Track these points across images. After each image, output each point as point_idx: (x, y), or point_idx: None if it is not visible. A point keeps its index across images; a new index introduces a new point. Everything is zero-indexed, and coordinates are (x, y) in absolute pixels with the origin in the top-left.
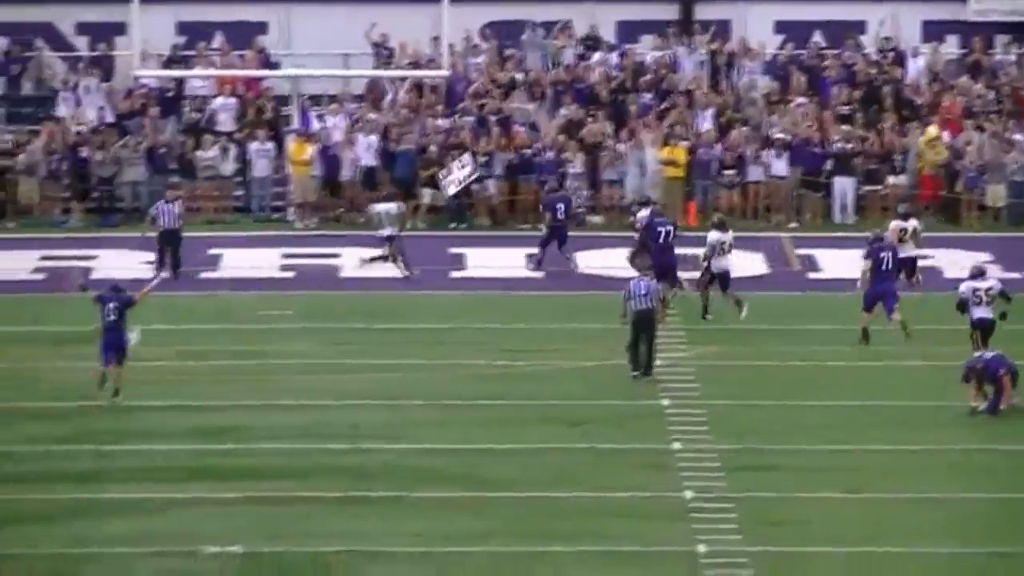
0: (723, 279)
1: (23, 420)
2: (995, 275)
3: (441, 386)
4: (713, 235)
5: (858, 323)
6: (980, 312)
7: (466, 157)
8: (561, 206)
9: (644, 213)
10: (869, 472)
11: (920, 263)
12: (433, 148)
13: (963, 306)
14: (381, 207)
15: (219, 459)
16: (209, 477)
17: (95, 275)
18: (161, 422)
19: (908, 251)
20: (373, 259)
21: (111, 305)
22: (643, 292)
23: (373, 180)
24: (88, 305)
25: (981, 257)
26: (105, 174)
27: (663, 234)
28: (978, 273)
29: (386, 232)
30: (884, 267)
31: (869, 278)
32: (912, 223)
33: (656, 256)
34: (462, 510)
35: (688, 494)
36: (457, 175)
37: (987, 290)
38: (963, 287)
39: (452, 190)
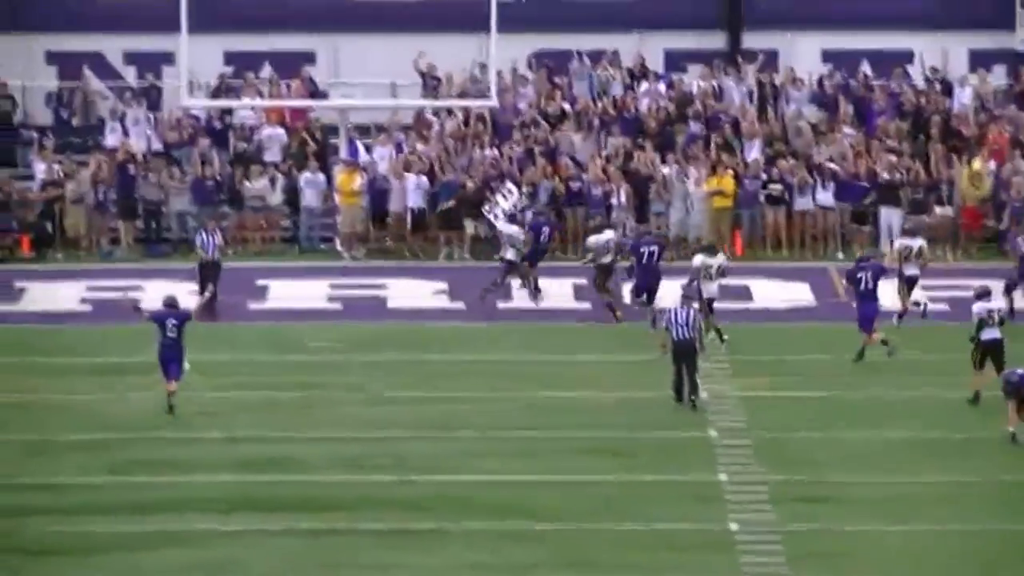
0: (708, 304)
1: (70, 451)
2: None
3: (488, 417)
4: (697, 259)
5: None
6: (991, 333)
7: (509, 186)
8: (546, 230)
9: (603, 238)
10: (916, 504)
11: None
12: (470, 184)
13: (981, 326)
14: (508, 229)
15: (266, 490)
16: (256, 509)
17: (142, 305)
18: (208, 453)
19: (912, 270)
20: (523, 285)
21: (170, 322)
22: (683, 322)
23: (423, 221)
24: (132, 336)
25: None
26: (152, 205)
27: (647, 255)
28: (984, 293)
29: (508, 255)
30: (864, 287)
31: (854, 300)
32: (918, 242)
33: (640, 276)
34: (509, 542)
35: (734, 526)
36: (504, 205)
37: (998, 311)
38: (977, 307)
39: (502, 222)
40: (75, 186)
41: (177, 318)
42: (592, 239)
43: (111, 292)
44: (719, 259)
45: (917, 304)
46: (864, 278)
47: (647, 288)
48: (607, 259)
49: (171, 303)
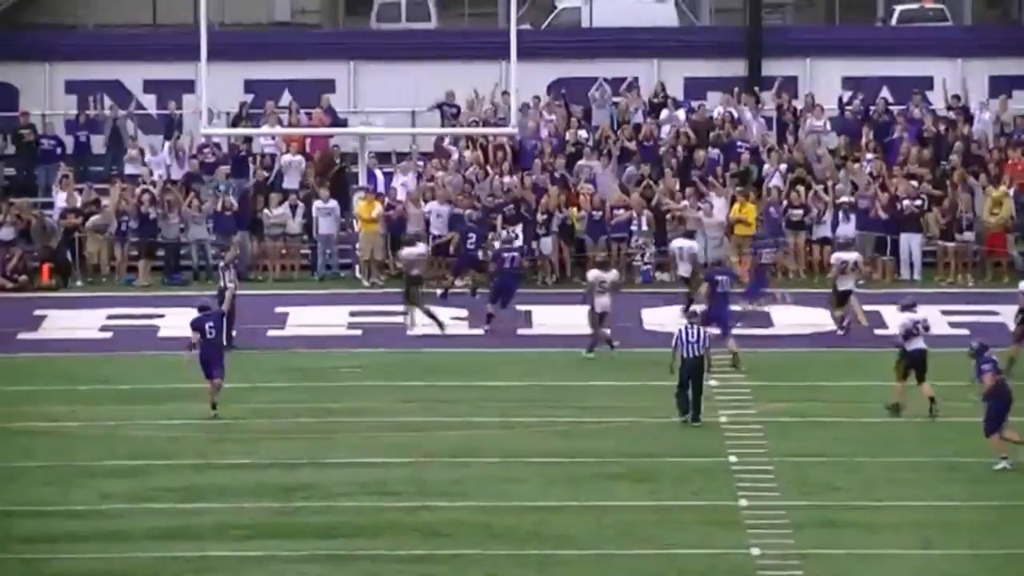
0: (601, 316)
1: (96, 478)
2: None
3: (508, 443)
4: (592, 273)
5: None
6: (916, 343)
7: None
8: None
9: (417, 250)
10: (937, 528)
11: (979, 320)
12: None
13: (908, 336)
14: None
15: (289, 517)
16: (277, 535)
17: (161, 333)
18: (231, 479)
19: (848, 284)
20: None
21: (208, 324)
22: (693, 340)
23: (444, 250)
24: (154, 363)
25: None
26: (171, 233)
27: (509, 260)
28: (911, 305)
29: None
30: (719, 289)
31: (709, 303)
32: (853, 255)
33: (499, 279)
34: (529, 567)
35: (755, 551)
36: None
37: (923, 321)
38: (906, 319)
39: None
40: (101, 217)
41: (213, 319)
42: (405, 251)
43: (131, 320)
44: (612, 274)
45: (843, 320)
46: (722, 282)
47: (502, 291)
48: (416, 271)
49: (205, 307)
